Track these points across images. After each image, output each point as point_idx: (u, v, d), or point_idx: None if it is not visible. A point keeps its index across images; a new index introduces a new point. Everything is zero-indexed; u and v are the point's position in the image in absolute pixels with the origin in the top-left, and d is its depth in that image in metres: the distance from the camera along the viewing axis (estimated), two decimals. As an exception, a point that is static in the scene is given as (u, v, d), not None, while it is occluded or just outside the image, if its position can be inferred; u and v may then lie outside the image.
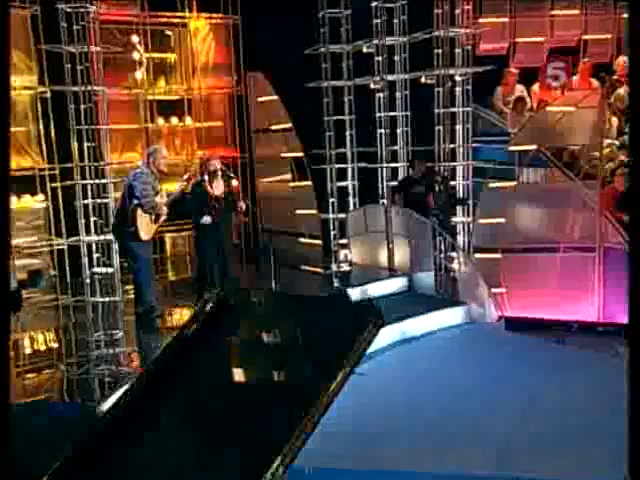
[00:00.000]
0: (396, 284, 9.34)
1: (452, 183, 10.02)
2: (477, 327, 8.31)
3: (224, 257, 8.26)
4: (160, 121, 11.50)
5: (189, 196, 8.13)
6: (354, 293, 8.49)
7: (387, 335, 7.15)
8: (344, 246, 10.66)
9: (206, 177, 8.06)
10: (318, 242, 10.65)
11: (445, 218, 9.55)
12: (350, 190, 11.25)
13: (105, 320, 8.54)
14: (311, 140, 10.98)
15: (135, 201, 7.45)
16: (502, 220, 8.27)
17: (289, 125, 10.88)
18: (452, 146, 10.16)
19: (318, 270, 10.26)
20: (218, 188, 8.09)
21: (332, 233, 11.01)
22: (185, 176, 8.45)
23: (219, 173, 8.06)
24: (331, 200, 11.06)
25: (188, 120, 11.72)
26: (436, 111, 10.16)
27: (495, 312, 8.25)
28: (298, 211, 10.94)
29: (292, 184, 11.04)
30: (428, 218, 9.30)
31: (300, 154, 10.85)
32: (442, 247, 9.30)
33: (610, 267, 7.64)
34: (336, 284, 9.69)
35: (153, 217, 7.63)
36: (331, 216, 11.03)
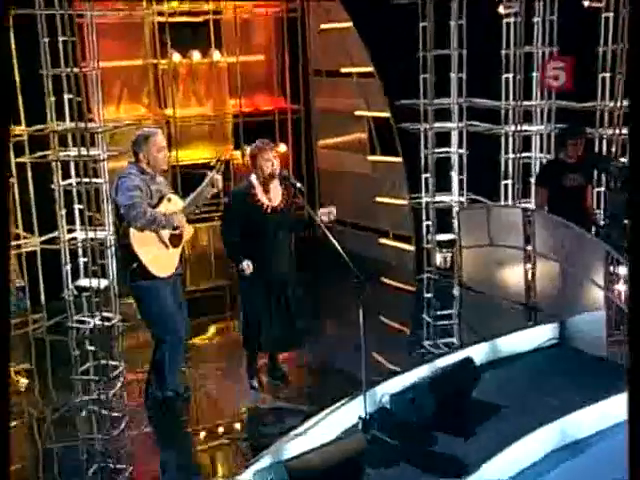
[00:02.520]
0: (541, 334, 5.86)
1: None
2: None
3: (288, 307, 5.26)
4: (176, 56, 8.08)
5: (226, 211, 5.28)
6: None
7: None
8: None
9: (255, 180, 5.02)
10: (408, 247, 7.33)
11: (619, 231, 6.31)
12: (455, 165, 7.74)
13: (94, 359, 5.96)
14: (400, 90, 7.53)
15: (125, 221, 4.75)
16: None
17: (368, 69, 7.28)
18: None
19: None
20: (275, 197, 5.08)
21: (425, 225, 7.58)
22: (215, 162, 5.09)
23: (276, 177, 5.03)
24: (424, 176, 7.55)
25: (216, 55, 8.20)
26: (601, 49, 6.94)
27: None
28: (379, 198, 7.80)
29: (371, 157, 7.73)
30: (585, 226, 6.25)
31: (384, 114, 7.30)
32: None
33: None
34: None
35: (167, 236, 4.80)
36: (425, 200, 7.55)
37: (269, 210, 5.00)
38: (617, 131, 6.84)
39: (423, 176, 7.69)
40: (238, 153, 8.24)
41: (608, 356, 5.68)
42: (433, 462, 4.20)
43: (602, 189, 7.29)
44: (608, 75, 7.12)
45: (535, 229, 6.46)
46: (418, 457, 4.22)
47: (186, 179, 7.84)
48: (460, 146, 8.04)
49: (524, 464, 4.21)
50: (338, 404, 4.51)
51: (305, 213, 5.20)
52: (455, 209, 8.22)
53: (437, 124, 7.77)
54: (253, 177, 5.01)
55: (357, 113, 7.83)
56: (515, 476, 4.11)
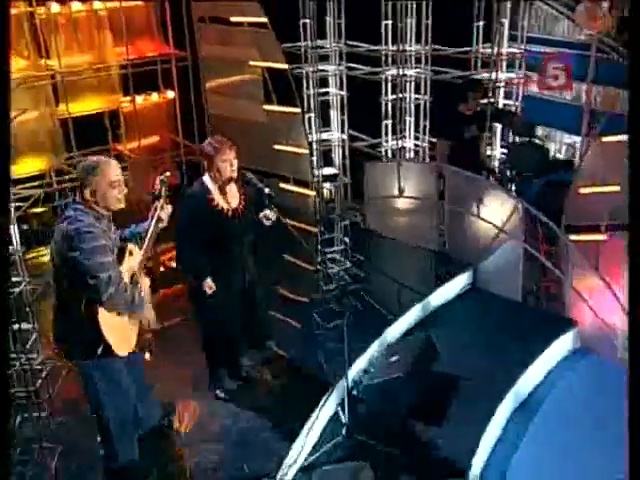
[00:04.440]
0: (458, 283, 6.28)
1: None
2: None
3: (256, 305, 4.88)
4: (54, 6, 7.60)
5: (181, 220, 4.41)
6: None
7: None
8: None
9: (210, 182, 4.45)
10: (309, 192, 7.66)
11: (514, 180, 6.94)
12: (336, 107, 8.17)
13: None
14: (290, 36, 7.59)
15: (90, 292, 3.53)
16: (616, 188, 5.80)
17: (262, 19, 7.35)
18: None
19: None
20: (233, 199, 4.55)
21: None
22: (158, 191, 4.03)
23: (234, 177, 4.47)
24: (308, 116, 7.81)
25: (97, 3, 7.83)
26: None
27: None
28: (277, 146, 7.78)
29: (267, 106, 7.73)
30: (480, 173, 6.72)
31: (281, 64, 7.46)
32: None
33: None
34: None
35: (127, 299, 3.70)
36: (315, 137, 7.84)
37: (230, 214, 4.47)
38: (493, 76, 7.57)
39: (307, 116, 7.81)
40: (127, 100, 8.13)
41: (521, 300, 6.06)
42: (424, 465, 4.19)
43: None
44: (482, 23, 7.86)
45: (443, 181, 6.63)
46: (406, 459, 4.18)
47: (78, 129, 7.73)
48: (341, 88, 8.54)
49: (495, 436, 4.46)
50: (315, 413, 4.42)
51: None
52: (334, 145, 8.87)
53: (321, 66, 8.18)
54: (207, 179, 4.44)
55: (252, 63, 7.65)
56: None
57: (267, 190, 4.35)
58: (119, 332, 3.67)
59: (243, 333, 4.81)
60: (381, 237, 7.32)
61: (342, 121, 8.64)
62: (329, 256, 6.96)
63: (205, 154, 4.41)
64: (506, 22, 7.80)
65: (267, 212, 4.45)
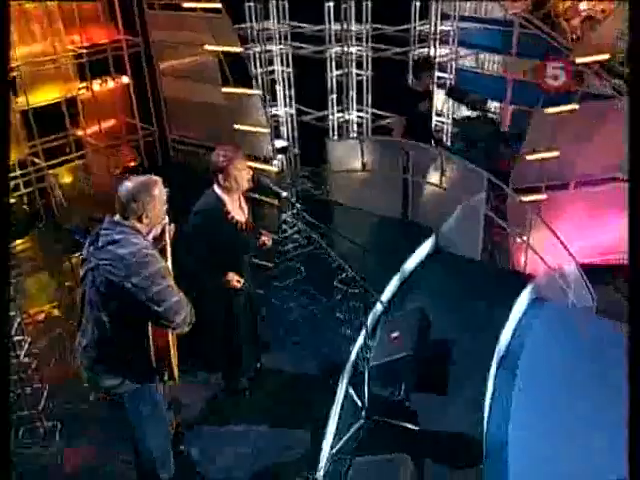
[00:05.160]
0: (425, 248, 6.65)
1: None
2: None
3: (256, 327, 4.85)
4: None
5: (194, 234, 4.11)
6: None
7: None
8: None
9: (223, 194, 4.13)
10: (272, 168, 8.21)
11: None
12: (280, 84, 8.70)
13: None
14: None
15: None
16: (555, 154, 6.70)
17: (216, 4, 7.73)
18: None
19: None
20: (244, 212, 4.31)
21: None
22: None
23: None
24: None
25: (44, -7, 7.92)
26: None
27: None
28: (237, 125, 8.16)
29: (225, 89, 8.15)
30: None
31: (237, 48, 7.90)
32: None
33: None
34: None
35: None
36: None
37: (242, 227, 4.22)
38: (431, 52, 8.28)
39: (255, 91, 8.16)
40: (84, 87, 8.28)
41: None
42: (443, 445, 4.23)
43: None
44: (418, 3, 8.51)
45: (407, 155, 7.07)
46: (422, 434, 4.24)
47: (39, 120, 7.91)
48: (287, 65, 9.11)
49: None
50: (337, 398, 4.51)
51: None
52: (282, 119, 9.52)
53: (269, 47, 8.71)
54: (219, 191, 4.10)
55: (207, 47, 7.89)
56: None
57: (284, 194, 4.19)
58: (174, 353, 3.38)
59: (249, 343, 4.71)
60: (340, 205, 7.74)
61: (290, 97, 9.34)
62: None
63: (218, 166, 4.03)
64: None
65: (264, 239, 4.43)
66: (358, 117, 9.27)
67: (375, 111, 9.05)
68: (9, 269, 2.81)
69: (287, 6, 8.75)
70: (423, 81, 7.00)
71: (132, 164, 8.76)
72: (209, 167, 4.07)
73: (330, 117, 9.19)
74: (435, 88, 7.73)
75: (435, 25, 8.23)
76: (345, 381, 4.71)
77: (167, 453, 3.74)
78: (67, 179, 8.42)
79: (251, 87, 8.16)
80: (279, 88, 9.34)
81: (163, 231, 3.56)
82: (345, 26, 8.46)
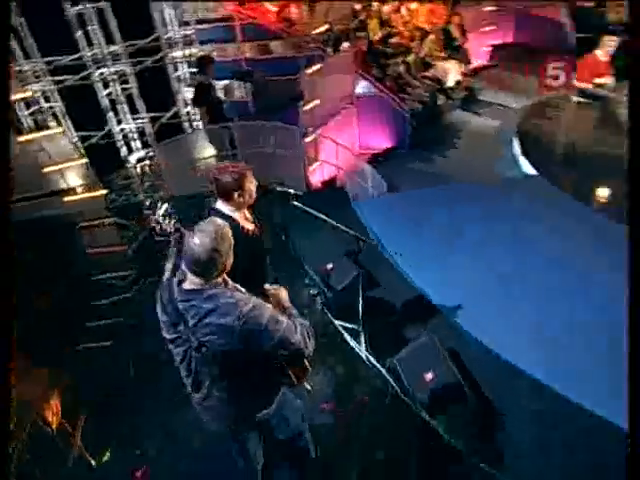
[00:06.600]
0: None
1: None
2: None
3: None
4: None
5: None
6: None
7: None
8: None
9: (229, 210, 3.89)
10: (96, 193, 8.82)
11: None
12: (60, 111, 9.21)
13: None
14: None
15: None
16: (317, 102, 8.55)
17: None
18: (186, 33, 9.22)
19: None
20: (249, 220, 4.05)
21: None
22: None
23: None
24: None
25: None
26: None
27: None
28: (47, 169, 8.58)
29: (21, 138, 8.51)
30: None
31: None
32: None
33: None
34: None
35: None
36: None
37: (255, 236, 4.05)
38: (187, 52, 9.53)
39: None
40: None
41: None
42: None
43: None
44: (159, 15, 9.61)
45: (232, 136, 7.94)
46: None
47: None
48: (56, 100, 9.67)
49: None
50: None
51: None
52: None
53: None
54: (226, 210, 3.86)
55: None
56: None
57: (292, 190, 4.72)
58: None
59: None
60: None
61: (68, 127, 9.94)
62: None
63: (234, 185, 3.80)
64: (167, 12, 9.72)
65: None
66: (136, 124, 10.24)
67: (154, 114, 10.10)
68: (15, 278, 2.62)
69: (35, 45, 9.15)
70: (209, 72, 7.86)
71: None
72: (219, 190, 3.83)
73: (113, 131, 10.03)
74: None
75: (178, 31, 9.44)
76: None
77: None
78: None
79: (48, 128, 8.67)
80: (54, 124, 9.81)
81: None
82: (101, 50, 9.30)
